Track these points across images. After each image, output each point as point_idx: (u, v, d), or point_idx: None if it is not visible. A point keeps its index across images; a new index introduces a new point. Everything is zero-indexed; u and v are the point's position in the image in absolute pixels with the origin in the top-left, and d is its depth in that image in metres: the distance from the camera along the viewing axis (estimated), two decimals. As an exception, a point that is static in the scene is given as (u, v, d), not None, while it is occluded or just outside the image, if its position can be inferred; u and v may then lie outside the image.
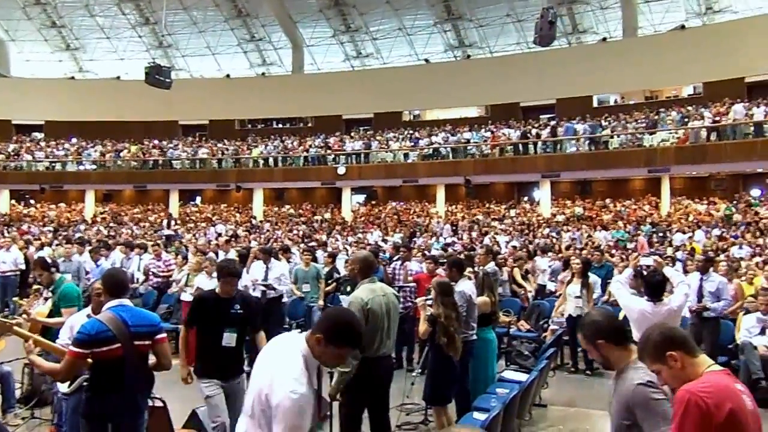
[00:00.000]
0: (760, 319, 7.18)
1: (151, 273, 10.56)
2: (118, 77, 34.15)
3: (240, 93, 32.15)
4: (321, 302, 9.08)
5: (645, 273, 5.97)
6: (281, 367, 2.55)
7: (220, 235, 20.91)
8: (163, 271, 10.55)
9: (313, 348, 2.60)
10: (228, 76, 34.02)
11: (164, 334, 3.93)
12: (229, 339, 4.54)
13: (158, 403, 4.31)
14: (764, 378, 6.66)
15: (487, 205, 27.70)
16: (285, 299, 9.19)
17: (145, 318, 3.86)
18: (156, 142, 32.28)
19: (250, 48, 35.38)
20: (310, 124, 33.93)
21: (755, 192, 23.69)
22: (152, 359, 3.92)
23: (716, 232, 18.02)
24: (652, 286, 5.29)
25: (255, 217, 27.99)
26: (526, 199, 28.28)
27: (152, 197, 32.39)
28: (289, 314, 9.43)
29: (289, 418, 2.43)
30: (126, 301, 3.83)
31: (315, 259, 10.35)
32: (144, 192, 31.97)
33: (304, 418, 2.47)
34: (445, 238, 20.21)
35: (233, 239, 16.72)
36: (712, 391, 2.18)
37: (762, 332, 7.10)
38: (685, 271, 8.82)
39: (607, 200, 26.01)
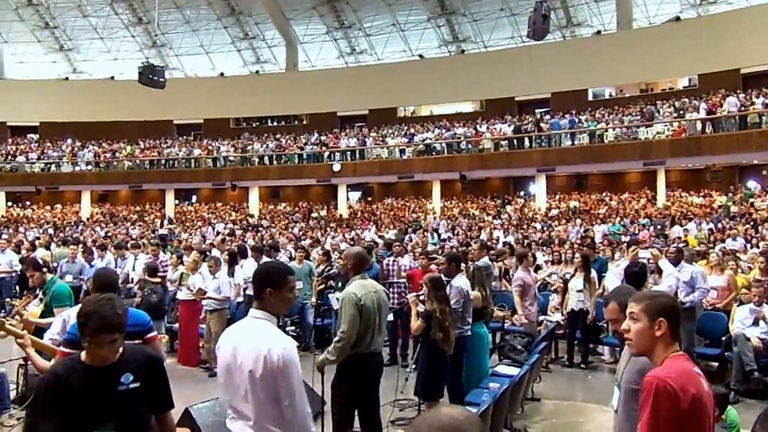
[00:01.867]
0: (752, 310, 7.16)
1: (147, 272, 10.51)
2: (112, 77, 34.06)
3: (234, 91, 32.05)
4: (314, 299, 9.09)
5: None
6: (262, 336, 2.75)
7: (219, 233, 20.88)
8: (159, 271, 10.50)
9: (267, 308, 2.85)
10: (222, 74, 33.96)
11: (155, 333, 3.94)
12: None
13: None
14: (757, 369, 6.66)
15: (482, 200, 27.72)
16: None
17: (134, 317, 3.83)
18: (151, 141, 32.26)
19: (243, 46, 35.28)
20: (304, 122, 33.95)
21: (751, 183, 23.68)
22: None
23: (710, 225, 17.98)
24: (630, 276, 5.46)
25: (252, 215, 27.98)
26: (522, 193, 28.30)
27: (148, 197, 32.41)
28: (282, 311, 9.41)
29: (296, 365, 2.71)
30: (115, 301, 3.81)
31: (308, 256, 10.36)
32: (140, 192, 31.97)
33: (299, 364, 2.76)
34: (440, 234, 20.22)
35: (228, 237, 16.69)
36: (676, 377, 2.24)
37: (755, 323, 7.09)
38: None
39: (603, 194, 26.04)
